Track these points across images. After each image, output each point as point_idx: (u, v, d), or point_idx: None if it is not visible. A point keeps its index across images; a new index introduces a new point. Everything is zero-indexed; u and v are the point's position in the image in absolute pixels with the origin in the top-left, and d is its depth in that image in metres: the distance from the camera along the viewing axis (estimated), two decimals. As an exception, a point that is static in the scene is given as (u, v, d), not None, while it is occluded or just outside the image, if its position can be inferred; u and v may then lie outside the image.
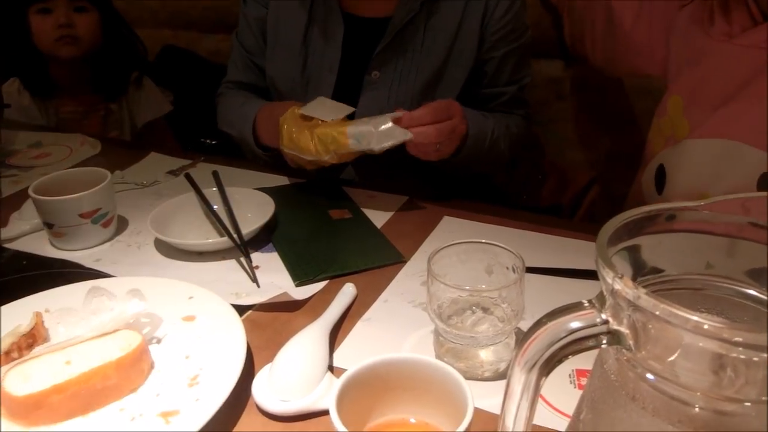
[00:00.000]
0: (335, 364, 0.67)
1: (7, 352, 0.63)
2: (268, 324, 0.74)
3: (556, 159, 1.53)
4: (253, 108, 1.13)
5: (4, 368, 0.61)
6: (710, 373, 0.30)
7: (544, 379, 0.36)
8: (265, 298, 0.77)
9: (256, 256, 0.88)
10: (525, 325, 0.60)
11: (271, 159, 1.12)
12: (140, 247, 0.92)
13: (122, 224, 0.98)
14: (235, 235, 0.88)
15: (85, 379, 0.58)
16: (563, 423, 0.58)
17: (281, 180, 1.12)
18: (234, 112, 1.18)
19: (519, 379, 0.36)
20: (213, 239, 0.89)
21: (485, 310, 0.65)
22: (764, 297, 0.36)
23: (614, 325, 0.33)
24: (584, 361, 0.39)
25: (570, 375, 0.64)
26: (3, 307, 0.73)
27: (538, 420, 0.58)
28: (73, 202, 0.88)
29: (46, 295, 0.75)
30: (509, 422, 0.38)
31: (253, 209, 0.95)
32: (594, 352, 0.38)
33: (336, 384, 0.50)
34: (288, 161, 1.04)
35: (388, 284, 0.81)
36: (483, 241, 0.66)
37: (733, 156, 0.90)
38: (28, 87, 1.49)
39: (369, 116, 0.94)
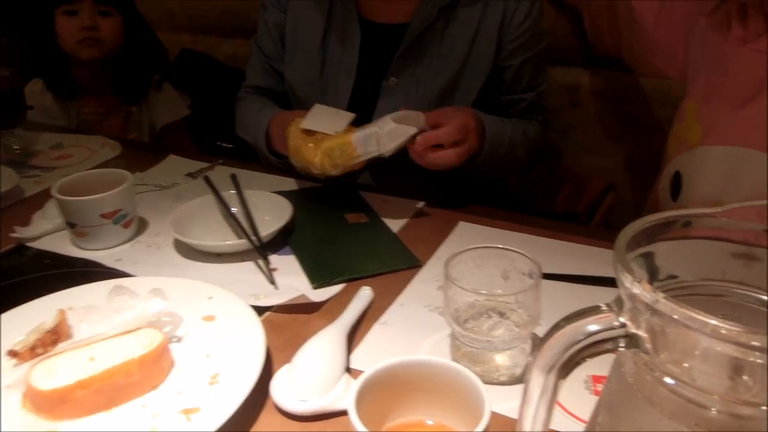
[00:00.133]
0: (352, 365, 0.68)
1: (32, 348, 0.65)
2: (287, 325, 0.75)
3: (573, 166, 1.54)
4: (267, 115, 1.14)
5: (30, 363, 0.62)
6: (727, 377, 0.31)
7: (561, 381, 0.36)
8: (283, 300, 0.78)
9: (274, 259, 0.89)
10: (541, 331, 0.61)
11: (284, 166, 1.13)
12: (160, 247, 0.93)
13: (142, 225, 0.99)
14: (253, 238, 0.89)
15: (108, 375, 0.60)
16: (579, 427, 0.58)
17: (298, 184, 1.13)
18: (250, 118, 1.20)
19: (537, 380, 0.37)
20: (232, 241, 0.90)
21: (501, 315, 0.66)
22: (781, 304, 0.36)
23: (632, 329, 0.34)
24: (600, 366, 0.40)
25: (585, 381, 0.64)
26: (27, 304, 0.74)
27: (554, 424, 0.58)
28: (95, 202, 0.90)
29: (70, 293, 0.76)
30: (527, 423, 0.39)
31: (271, 212, 0.96)
32: (610, 358, 0.38)
33: (355, 384, 0.51)
34: (298, 170, 1.05)
35: (404, 288, 0.82)
36: (500, 246, 0.67)
37: (748, 164, 0.90)
38: (50, 87, 1.52)
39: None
